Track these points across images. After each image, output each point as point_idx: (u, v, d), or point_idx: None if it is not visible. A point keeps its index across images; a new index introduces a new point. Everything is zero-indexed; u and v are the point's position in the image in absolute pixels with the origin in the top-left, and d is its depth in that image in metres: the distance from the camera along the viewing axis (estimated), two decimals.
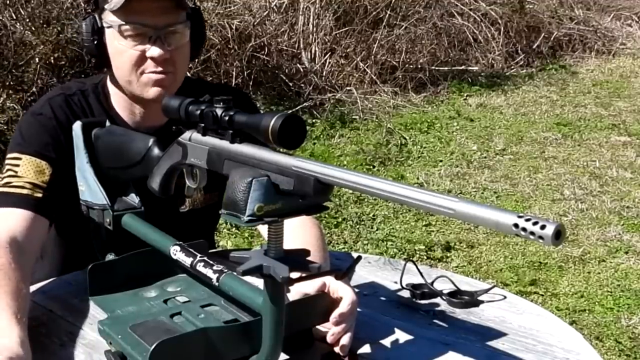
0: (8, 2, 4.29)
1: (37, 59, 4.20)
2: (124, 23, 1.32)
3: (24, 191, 1.31)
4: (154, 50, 1.32)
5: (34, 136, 1.37)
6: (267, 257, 0.97)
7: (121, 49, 1.34)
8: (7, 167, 1.35)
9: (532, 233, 0.73)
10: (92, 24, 1.36)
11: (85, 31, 1.36)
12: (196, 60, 4.22)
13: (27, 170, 1.33)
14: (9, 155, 1.36)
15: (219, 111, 1.04)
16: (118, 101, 1.44)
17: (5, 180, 1.33)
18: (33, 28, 4.29)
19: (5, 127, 3.95)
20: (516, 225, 0.74)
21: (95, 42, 1.36)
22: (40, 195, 1.32)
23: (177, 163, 1.17)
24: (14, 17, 4.31)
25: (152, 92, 1.36)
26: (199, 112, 1.07)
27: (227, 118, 1.03)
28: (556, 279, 3.27)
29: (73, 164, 1.35)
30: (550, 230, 0.72)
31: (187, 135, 1.14)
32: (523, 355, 1.19)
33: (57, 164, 1.36)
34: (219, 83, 4.21)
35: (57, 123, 1.38)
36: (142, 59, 1.34)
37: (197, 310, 1.19)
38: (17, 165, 1.34)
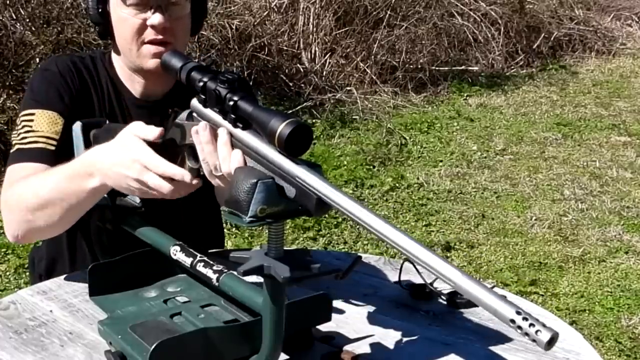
0: (8, 2, 4.29)
1: (37, 59, 4.20)
2: None
3: (39, 145, 1.37)
4: (154, 18, 1.36)
5: (43, 91, 1.43)
6: (267, 257, 0.97)
7: (123, 17, 1.38)
8: (22, 123, 1.41)
9: (526, 334, 0.77)
10: None
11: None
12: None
13: (40, 122, 1.39)
14: (22, 113, 1.43)
15: (222, 91, 1.02)
16: (120, 71, 1.49)
17: (22, 135, 1.39)
18: (33, 28, 4.29)
19: (5, 127, 3.95)
20: (513, 321, 0.78)
21: (100, 11, 1.40)
22: (53, 147, 1.38)
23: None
24: (14, 17, 4.31)
25: (151, 63, 1.40)
26: (201, 84, 1.06)
27: (231, 103, 1.00)
28: (556, 279, 3.27)
29: (82, 112, 1.41)
30: (545, 337, 0.76)
31: (183, 115, 1.13)
32: (523, 355, 1.19)
33: (67, 115, 1.40)
34: None
35: (62, 77, 1.44)
36: (143, 27, 1.37)
37: (197, 310, 1.19)
38: (32, 120, 1.40)
